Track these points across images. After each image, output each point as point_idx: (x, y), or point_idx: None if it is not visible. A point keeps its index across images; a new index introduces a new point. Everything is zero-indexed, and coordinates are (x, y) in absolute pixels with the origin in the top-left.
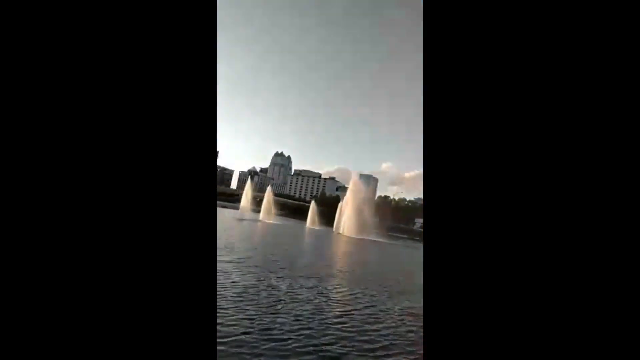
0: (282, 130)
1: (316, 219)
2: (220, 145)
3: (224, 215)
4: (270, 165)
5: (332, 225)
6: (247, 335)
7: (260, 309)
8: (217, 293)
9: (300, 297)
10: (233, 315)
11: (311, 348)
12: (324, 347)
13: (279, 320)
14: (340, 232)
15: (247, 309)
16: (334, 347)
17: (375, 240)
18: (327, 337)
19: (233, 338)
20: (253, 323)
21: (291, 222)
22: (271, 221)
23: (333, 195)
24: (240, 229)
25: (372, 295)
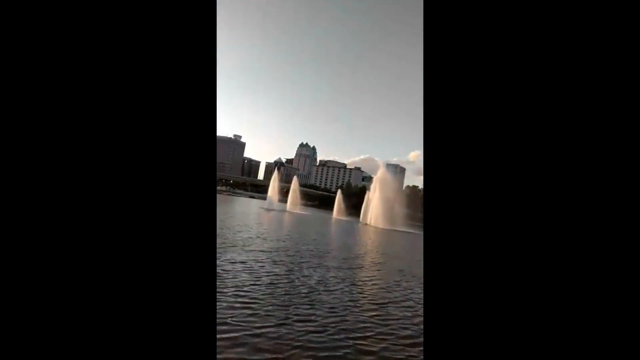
0: (307, 120)
1: (342, 209)
2: (245, 137)
3: (253, 206)
4: (295, 156)
5: (358, 215)
6: (284, 327)
7: (294, 299)
8: (252, 283)
9: (333, 288)
10: (269, 306)
11: (350, 341)
12: (360, 340)
13: (313, 311)
14: (368, 222)
15: (283, 299)
16: (371, 340)
17: (404, 232)
18: (362, 329)
19: (269, 329)
20: (289, 313)
21: (317, 213)
22: (298, 211)
23: (359, 185)
24: (269, 219)
25: (407, 287)
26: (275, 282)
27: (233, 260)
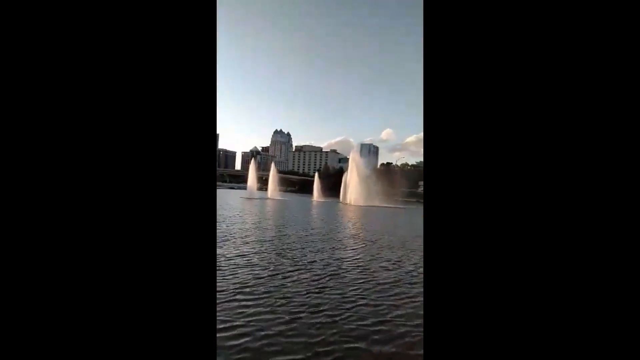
0: (279, 106)
1: (321, 191)
2: (219, 128)
3: (233, 196)
4: (271, 144)
5: (337, 196)
6: (306, 315)
7: (304, 286)
8: (267, 274)
9: (341, 271)
10: (289, 297)
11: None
12: (381, 326)
13: (326, 297)
14: (347, 202)
15: (298, 288)
16: (394, 324)
17: (382, 207)
18: (382, 313)
19: (292, 316)
20: (306, 301)
21: (298, 197)
22: (278, 197)
23: (336, 167)
24: (252, 207)
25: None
26: (288, 272)
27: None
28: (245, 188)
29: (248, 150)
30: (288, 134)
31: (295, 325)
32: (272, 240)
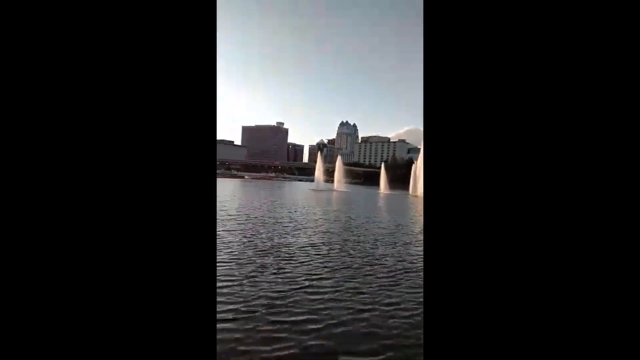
0: (345, 98)
1: (387, 183)
2: (288, 123)
3: (301, 188)
4: (337, 136)
5: (405, 188)
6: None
7: (375, 280)
8: (339, 265)
9: (415, 267)
10: (360, 290)
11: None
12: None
13: (398, 293)
14: (417, 194)
15: (370, 282)
16: None
17: None
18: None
19: (363, 307)
20: (379, 294)
21: (364, 189)
22: (344, 189)
23: (405, 158)
24: (320, 199)
25: None
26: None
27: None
28: (312, 180)
29: (315, 144)
30: (354, 126)
31: (365, 316)
32: (341, 232)
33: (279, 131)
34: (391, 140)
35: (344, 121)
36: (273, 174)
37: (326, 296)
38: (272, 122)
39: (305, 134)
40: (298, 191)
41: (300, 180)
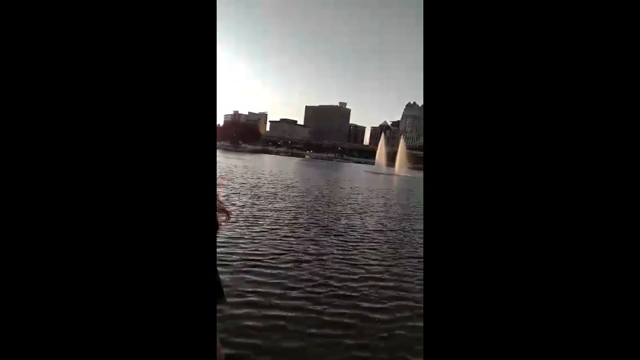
0: (412, 79)
1: None
2: (351, 104)
3: (358, 171)
4: (402, 118)
5: None
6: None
7: None
8: (405, 254)
9: None
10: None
11: None
12: None
13: None
14: None
15: None
16: None
17: None
18: None
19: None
20: None
21: None
22: (406, 174)
23: None
24: (379, 183)
25: None
26: None
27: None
28: (372, 163)
29: (377, 125)
30: (422, 107)
31: None
32: (403, 217)
33: (341, 111)
34: None
35: (411, 102)
36: (332, 155)
37: None
38: (335, 102)
39: (368, 114)
40: (356, 174)
41: (359, 162)
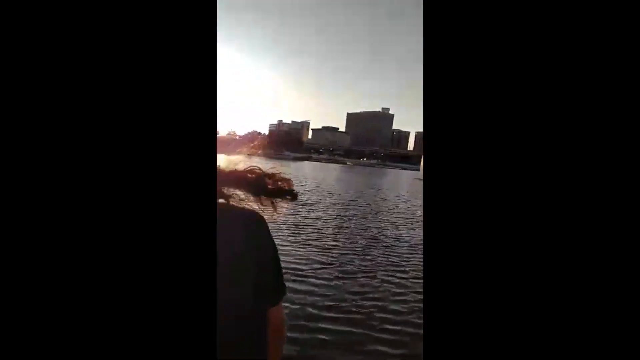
0: None
1: None
2: (394, 109)
3: (402, 177)
4: None
5: None
6: None
7: None
8: None
9: None
10: None
11: None
12: None
13: None
14: None
15: None
16: None
17: None
18: None
19: None
20: None
21: None
22: None
23: None
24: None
25: None
26: None
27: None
28: (417, 169)
29: (422, 130)
30: None
31: None
32: None
33: (384, 117)
34: None
35: None
36: (375, 161)
37: None
38: (378, 108)
39: (412, 119)
40: (402, 180)
41: (403, 169)
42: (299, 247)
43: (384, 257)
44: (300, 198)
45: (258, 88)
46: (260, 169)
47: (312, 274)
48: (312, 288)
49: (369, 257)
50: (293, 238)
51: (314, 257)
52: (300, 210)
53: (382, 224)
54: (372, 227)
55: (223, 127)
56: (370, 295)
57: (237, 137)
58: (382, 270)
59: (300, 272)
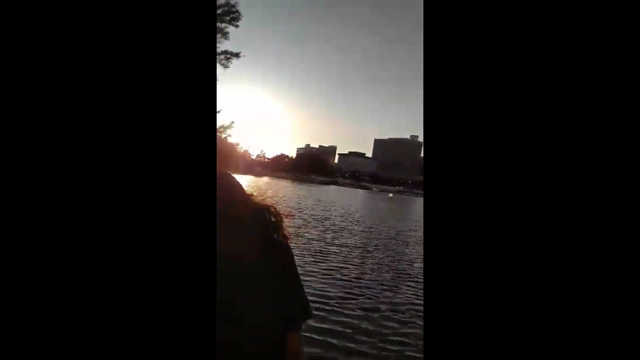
0: None
1: None
2: (422, 136)
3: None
4: None
5: None
6: None
7: None
8: None
9: None
10: None
11: None
12: None
13: None
14: None
15: None
16: None
17: None
18: None
19: None
20: None
21: None
22: None
23: None
24: None
25: None
26: None
27: None
28: None
29: None
30: None
31: None
32: None
33: (411, 144)
34: None
35: None
36: (401, 188)
37: None
38: (406, 135)
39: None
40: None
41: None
42: (324, 277)
43: (413, 293)
44: (326, 223)
45: (288, 114)
46: (279, 215)
47: (334, 309)
48: (330, 325)
49: (396, 291)
50: (317, 265)
51: (338, 290)
52: (325, 237)
53: (413, 256)
54: (400, 259)
55: (253, 150)
56: (395, 339)
57: (266, 160)
58: (408, 307)
59: (322, 305)
